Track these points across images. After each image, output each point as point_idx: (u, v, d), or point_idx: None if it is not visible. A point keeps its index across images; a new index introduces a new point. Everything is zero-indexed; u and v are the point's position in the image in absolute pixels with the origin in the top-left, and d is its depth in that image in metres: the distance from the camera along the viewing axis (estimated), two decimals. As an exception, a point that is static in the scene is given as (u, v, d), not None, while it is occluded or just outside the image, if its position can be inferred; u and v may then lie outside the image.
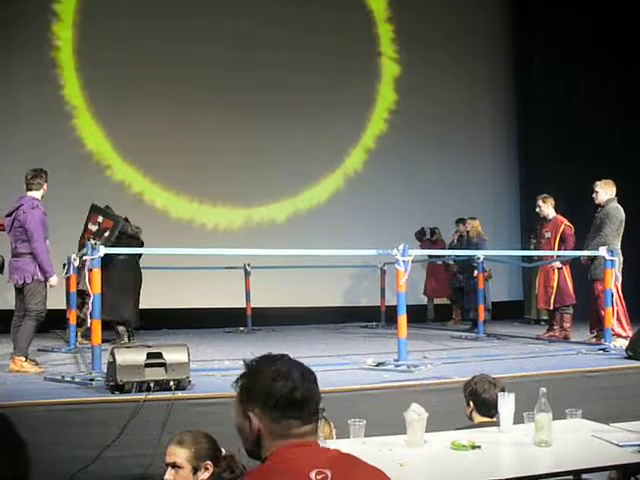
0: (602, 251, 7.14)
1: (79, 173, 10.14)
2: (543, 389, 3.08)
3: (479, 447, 3.03)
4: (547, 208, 8.32)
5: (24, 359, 5.90)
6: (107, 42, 10.36)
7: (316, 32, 11.41)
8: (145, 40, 10.64)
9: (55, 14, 10.43)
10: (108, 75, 10.37)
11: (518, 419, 3.30)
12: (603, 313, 7.17)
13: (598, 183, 7.73)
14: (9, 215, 6.05)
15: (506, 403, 3.28)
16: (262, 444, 1.86)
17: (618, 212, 7.59)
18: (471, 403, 3.77)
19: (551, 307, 8.27)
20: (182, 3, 10.90)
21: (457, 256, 10.19)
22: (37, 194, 6.07)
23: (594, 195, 7.71)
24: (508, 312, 11.26)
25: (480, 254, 8.83)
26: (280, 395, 1.83)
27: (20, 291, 6.06)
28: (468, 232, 10.09)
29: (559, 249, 8.13)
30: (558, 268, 8.17)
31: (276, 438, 1.84)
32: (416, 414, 3.09)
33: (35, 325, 5.98)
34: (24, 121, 10.04)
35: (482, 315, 8.78)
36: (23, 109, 10.06)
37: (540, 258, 8.86)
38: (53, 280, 6.08)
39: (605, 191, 7.67)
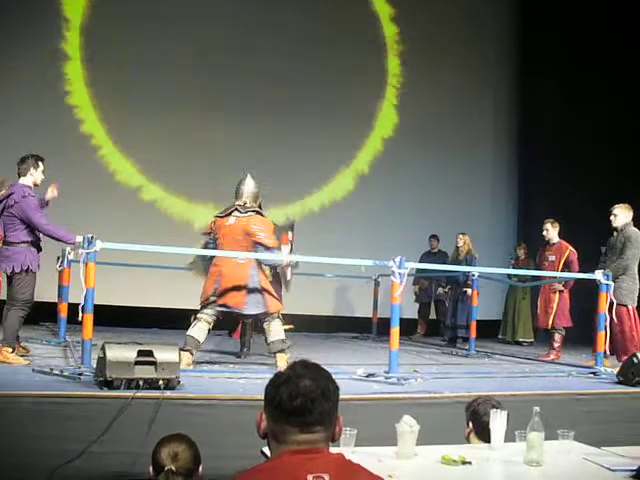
0: (597, 274, 7.13)
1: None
2: (537, 408, 3.05)
3: (469, 463, 2.99)
4: (554, 232, 8.50)
5: (11, 350, 5.84)
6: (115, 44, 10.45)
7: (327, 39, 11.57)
8: (158, 42, 10.72)
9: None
10: (113, 79, 10.48)
11: (510, 437, 3.27)
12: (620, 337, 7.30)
13: (617, 206, 7.65)
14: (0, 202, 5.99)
15: (498, 420, 3.25)
16: (270, 446, 1.88)
17: (638, 236, 7.56)
18: (470, 424, 3.61)
19: (549, 327, 8.41)
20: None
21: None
22: (26, 180, 6.01)
23: (612, 218, 7.64)
24: (482, 331, 11.09)
25: (475, 270, 8.82)
26: (280, 399, 1.82)
27: (10, 280, 6.00)
28: (458, 247, 9.97)
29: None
30: (559, 291, 8.34)
31: (279, 442, 1.84)
32: (408, 426, 3.07)
33: (21, 315, 5.90)
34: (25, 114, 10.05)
35: (474, 332, 8.75)
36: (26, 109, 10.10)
37: (539, 279, 8.96)
38: (79, 238, 5.76)
39: (625, 215, 7.64)
